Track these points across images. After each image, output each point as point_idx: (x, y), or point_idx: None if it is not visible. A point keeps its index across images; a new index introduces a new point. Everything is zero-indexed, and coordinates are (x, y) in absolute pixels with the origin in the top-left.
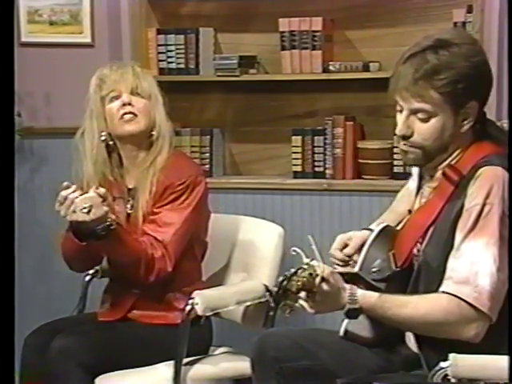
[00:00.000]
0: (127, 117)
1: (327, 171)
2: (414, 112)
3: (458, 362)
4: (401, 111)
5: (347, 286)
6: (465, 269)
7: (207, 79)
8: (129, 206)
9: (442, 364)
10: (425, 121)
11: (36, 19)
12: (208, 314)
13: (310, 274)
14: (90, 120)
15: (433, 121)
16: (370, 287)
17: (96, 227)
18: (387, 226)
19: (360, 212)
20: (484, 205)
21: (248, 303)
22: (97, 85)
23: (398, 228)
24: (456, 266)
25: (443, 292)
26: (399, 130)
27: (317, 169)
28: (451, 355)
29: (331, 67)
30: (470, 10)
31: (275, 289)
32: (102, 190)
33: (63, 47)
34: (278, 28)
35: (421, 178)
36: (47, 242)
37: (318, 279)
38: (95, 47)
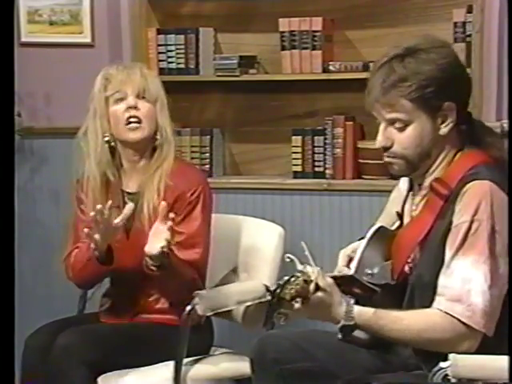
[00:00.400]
0: (133, 125)
1: (327, 171)
2: (390, 122)
3: (457, 362)
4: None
5: (344, 301)
6: (456, 286)
7: (207, 79)
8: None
9: (442, 364)
10: (402, 130)
11: (36, 19)
12: (208, 314)
13: (305, 281)
14: (93, 119)
15: (410, 129)
16: (365, 290)
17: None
18: (381, 227)
19: (360, 212)
20: (472, 222)
21: (248, 303)
22: (102, 84)
23: (393, 228)
24: (447, 283)
25: (437, 309)
26: (379, 142)
27: (317, 169)
28: (451, 355)
29: (331, 67)
30: (470, 10)
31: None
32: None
33: (63, 47)
34: (278, 28)
35: (411, 181)
36: (47, 242)
37: (312, 285)
38: (95, 47)
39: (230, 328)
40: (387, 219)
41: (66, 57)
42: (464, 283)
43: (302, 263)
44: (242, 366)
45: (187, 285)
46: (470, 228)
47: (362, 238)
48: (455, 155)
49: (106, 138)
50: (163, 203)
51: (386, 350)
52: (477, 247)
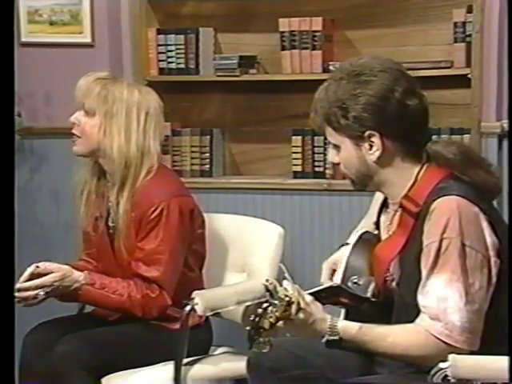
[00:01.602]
0: (74, 140)
1: (327, 171)
2: (329, 143)
3: (457, 363)
4: None
5: (328, 317)
6: (433, 305)
7: (207, 79)
8: (110, 224)
9: (442, 364)
10: (337, 150)
11: (36, 19)
12: (208, 314)
13: (288, 303)
14: None
15: (341, 152)
16: (352, 299)
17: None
18: (365, 232)
19: (360, 212)
20: (441, 240)
21: (248, 303)
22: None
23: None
24: (425, 302)
25: (420, 326)
26: (328, 158)
27: (317, 169)
28: (450, 356)
29: (331, 67)
30: (470, 10)
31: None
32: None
33: (63, 47)
34: (278, 28)
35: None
36: (47, 241)
37: (294, 306)
38: (95, 47)
39: (229, 328)
40: (370, 222)
41: (66, 57)
42: (440, 302)
43: (281, 285)
44: (241, 365)
45: (121, 306)
46: (440, 247)
47: (343, 246)
48: (420, 170)
49: None
50: None
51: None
52: (449, 265)
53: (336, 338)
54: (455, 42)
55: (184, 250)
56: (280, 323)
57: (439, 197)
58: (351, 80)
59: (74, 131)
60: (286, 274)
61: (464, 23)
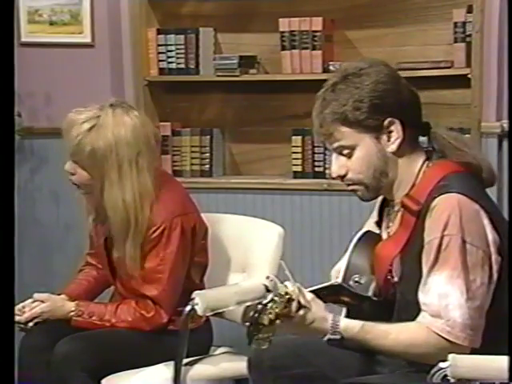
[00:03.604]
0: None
1: (327, 171)
2: (338, 152)
3: (457, 363)
4: None
5: (329, 316)
6: (434, 302)
7: (207, 79)
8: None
9: (441, 364)
10: (350, 156)
11: (36, 19)
12: (208, 314)
13: (288, 300)
14: None
15: (356, 153)
16: (353, 298)
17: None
18: (367, 231)
19: (360, 212)
20: (442, 237)
21: (248, 303)
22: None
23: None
24: (425, 300)
25: (421, 323)
26: (333, 173)
27: (317, 169)
28: (450, 355)
29: (331, 67)
30: (470, 10)
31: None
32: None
33: (63, 47)
34: (278, 28)
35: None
36: (47, 242)
37: (294, 304)
38: (95, 47)
39: (229, 328)
40: (372, 221)
41: (66, 57)
42: (441, 299)
43: (282, 282)
44: (241, 365)
45: (114, 328)
46: (441, 244)
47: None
48: (421, 167)
49: None
50: None
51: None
52: (450, 262)
53: (338, 337)
54: (455, 41)
55: (185, 268)
56: (280, 320)
57: (440, 194)
58: (357, 75)
59: (71, 179)
60: (287, 272)
61: (464, 23)
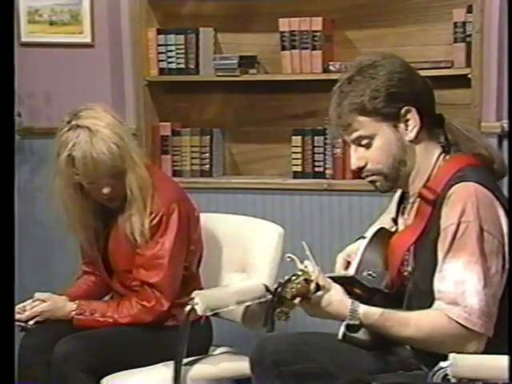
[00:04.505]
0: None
1: (327, 171)
2: (356, 143)
3: (457, 362)
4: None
5: (348, 301)
6: (450, 289)
7: (207, 79)
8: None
9: (442, 364)
10: (368, 146)
11: (36, 19)
12: (208, 314)
13: (305, 280)
14: None
15: (375, 142)
16: (365, 290)
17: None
18: (381, 228)
19: (360, 212)
20: (459, 223)
21: (248, 303)
22: (67, 163)
23: (393, 229)
24: (441, 287)
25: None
26: (353, 165)
27: (317, 169)
28: (451, 355)
29: (331, 67)
30: (470, 10)
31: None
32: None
33: (63, 47)
34: (278, 28)
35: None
36: (47, 242)
37: (312, 285)
38: (95, 47)
39: (229, 328)
40: (388, 219)
41: (66, 57)
42: (457, 286)
43: (302, 262)
44: (241, 365)
45: (117, 323)
46: (457, 230)
47: (360, 239)
48: (438, 159)
49: None
50: None
51: (385, 351)
52: (467, 248)
53: (356, 322)
54: (455, 41)
55: (183, 254)
56: (300, 298)
57: (457, 183)
58: (372, 66)
59: (108, 196)
60: (307, 252)
61: (464, 23)
